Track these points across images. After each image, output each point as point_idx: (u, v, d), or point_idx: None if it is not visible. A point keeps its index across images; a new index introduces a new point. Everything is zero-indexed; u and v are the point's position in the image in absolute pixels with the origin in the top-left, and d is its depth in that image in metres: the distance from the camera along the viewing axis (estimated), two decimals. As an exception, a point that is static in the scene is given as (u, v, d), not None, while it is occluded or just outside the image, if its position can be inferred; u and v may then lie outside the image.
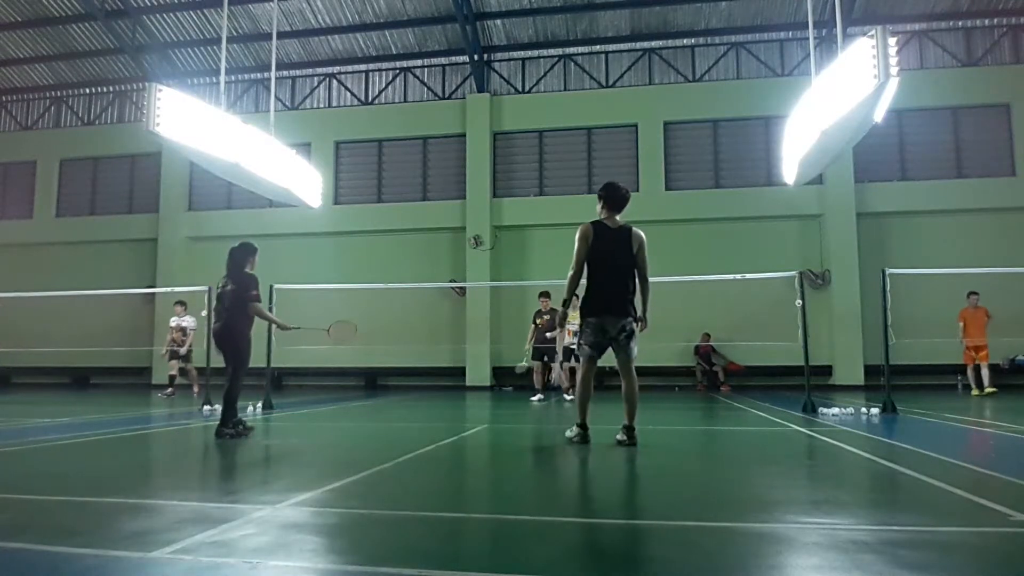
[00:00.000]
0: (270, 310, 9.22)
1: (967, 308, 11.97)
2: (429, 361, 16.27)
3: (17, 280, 16.76)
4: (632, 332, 5.04)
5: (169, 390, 12.20)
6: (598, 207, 5.26)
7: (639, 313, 5.14)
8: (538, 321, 11.18)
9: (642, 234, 5.17)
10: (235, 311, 5.90)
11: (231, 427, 5.77)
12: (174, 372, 12.52)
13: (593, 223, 5.15)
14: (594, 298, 5.07)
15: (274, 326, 6.64)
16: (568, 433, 5.29)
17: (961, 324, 11.93)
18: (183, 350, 12.47)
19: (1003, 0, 15.72)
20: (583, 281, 5.19)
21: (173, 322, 12.76)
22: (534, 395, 11.09)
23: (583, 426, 5.16)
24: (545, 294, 11.30)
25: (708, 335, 15.09)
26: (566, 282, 5.15)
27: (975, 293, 11.97)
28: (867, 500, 3.45)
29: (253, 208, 17.31)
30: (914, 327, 10.28)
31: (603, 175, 16.77)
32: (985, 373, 11.65)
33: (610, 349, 5.16)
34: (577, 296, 5.20)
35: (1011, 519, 2.75)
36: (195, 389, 12.58)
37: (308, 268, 16.21)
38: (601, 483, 3.99)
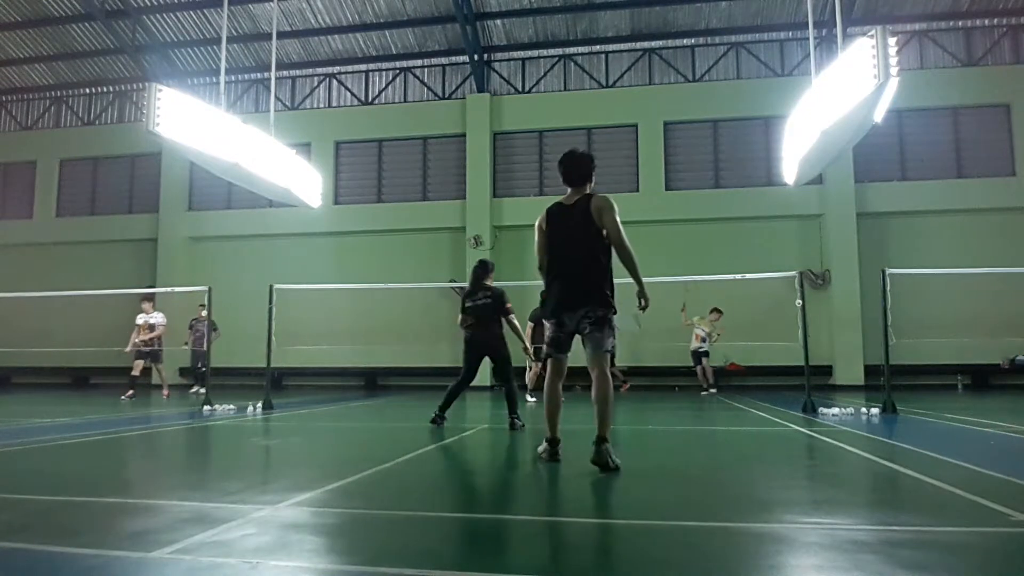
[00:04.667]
0: (270, 311, 9.26)
1: None
2: (429, 361, 16.26)
3: (17, 280, 16.76)
4: (600, 319, 4.13)
5: (130, 392, 11.44)
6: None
7: (636, 289, 4.29)
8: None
9: (605, 198, 4.20)
10: (493, 321, 6.68)
11: (519, 418, 6.49)
12: (137, 373, 11.82)
13: (549, 207, 4.45)
14: (548, 295, 4.39)
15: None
16: (539, 448, 4.51)
17: None
18: (146, 339, 11.93)
19: (1003, 0, 15.72)
20: None
21: (141, 319, 12.15)
22: (532, 396, 10.95)
23: (552, 441, 4.34)
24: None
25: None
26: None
27: None
28: (867, 500, 3.46)
29: (253, 208, 17.33)
30: (914, 327, 10.29)
31: (603, 175, 16.63)
32: None
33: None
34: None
35: (1011, 519, 2.75)
36: (165, 392, 12.12)
37: (308, 268, 16.24)
38: (601, 483, 3.98)
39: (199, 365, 13.19)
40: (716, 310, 13.08)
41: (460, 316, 6.80)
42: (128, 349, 12.07)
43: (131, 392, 11.51)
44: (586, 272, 4.18)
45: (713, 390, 12.95)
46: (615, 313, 4.21)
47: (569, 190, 4.41)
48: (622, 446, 5.01)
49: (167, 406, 10.14)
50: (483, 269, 6.88)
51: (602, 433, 3.98)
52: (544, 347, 4.46)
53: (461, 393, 6.83)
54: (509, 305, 6.71)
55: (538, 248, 4.44)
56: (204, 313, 13.04)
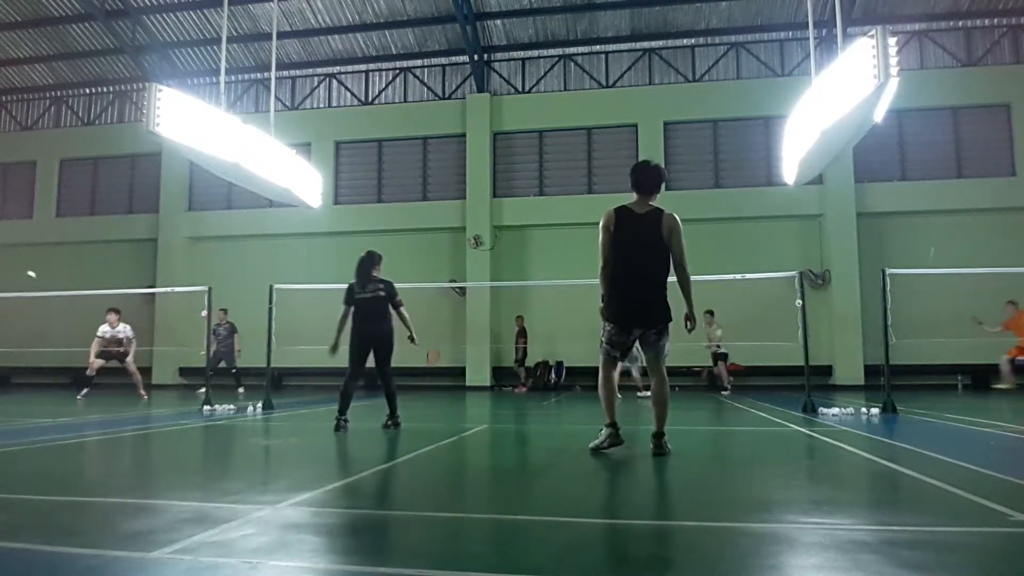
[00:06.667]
0: (270, 311, 9.26)
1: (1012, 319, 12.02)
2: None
3: (17, 280, 16.74)
4: (662, 329, 4.54)
5: (85, 391, 11.41)
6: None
7: (686, 310, 4.64)
8: None
9: (675, 217, 4.59)
10: (385, 314, 6.57)
11: (395, 418, 6.58)
12: (93, 373, 11.65)
13: (617, 209, 4.62)
14: (617, 305, 4.53)
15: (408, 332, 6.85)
16: (594, 442, 4.68)
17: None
18: (129, 358, 11.85)
19: (1003, 0, 15.72)
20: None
21: (106, 332, 11.80)
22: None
23: (612, 424, 4.64)
24: None
25: None
26: (599, 281, 4.62)
27: (1012, 303, 12.18)
28: (867, 500, 3.45)
29: (253, 208, 17.33)
30: (914, 327, 10.27)
31: (603, 175, 16.79)
32: None
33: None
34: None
35: (1011, 519, 2.75)
36: (142, 393, 11.90)
37: (308, 268, 16.21)
38: (600, 483, 3.98)
39: (232, 370, 13.55)
40: (708, 312, 13.03)
41: (345, 309, 6.56)
42: (91, 372, 11.63)
43: (86, 391, 11.49)
44: (658, 287, 4.53)
45: (726, 391, 13.12)
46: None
47: (635, 196, 4.69)
48: (623, 446, 5.01)
49: (167, 406, 10.14)
50: (371, 261, 6.66)
51: (659, 429, 4.54)
52: (603, 344, 4.66)
53: (355, 391, 6.64)
54: (399, 297, 6.65)
55: (603, 248, 4.59)
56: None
